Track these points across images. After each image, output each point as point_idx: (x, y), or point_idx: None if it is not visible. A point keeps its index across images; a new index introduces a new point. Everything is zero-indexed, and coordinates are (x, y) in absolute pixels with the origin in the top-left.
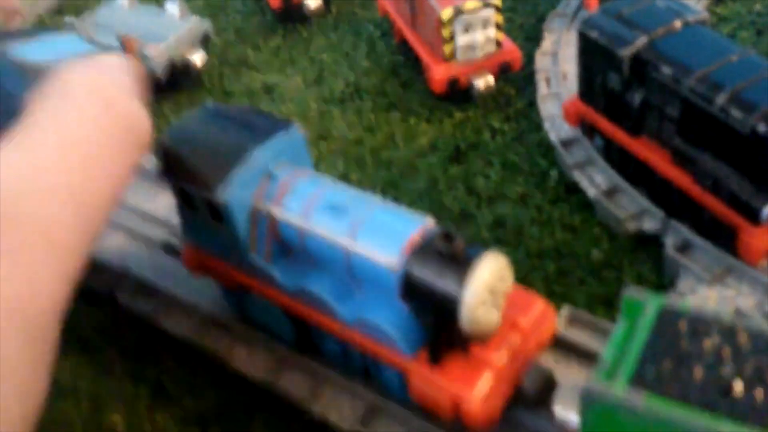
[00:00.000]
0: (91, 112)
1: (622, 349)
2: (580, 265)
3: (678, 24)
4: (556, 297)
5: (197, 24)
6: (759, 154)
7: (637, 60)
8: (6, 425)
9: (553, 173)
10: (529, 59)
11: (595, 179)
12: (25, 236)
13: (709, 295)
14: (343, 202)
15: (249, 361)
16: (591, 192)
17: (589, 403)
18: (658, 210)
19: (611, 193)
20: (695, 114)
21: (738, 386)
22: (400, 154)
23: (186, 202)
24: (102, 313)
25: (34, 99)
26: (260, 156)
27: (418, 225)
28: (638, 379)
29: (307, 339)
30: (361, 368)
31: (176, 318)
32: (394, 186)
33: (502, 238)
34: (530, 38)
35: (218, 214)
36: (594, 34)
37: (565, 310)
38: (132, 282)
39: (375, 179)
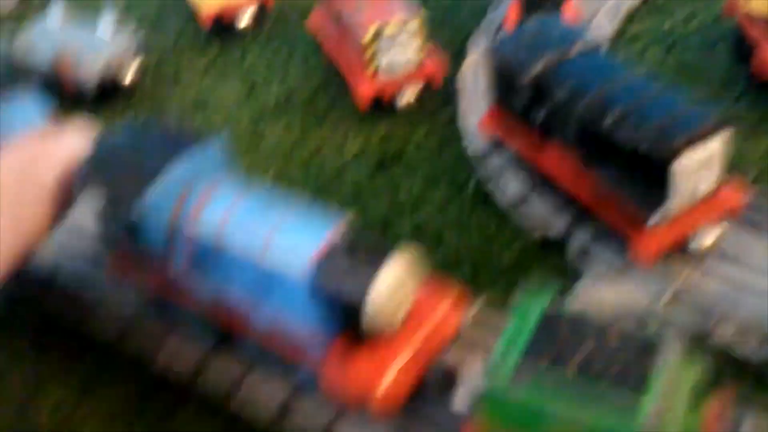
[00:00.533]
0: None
1: (509, 347)
2: (491, 269)
3: (575, 49)
4: (467, 298)
5: (129, 41)
6: (643, 169)
7: (537, 84)
8: None
9: (472, 183)
10: (455, 74)
11: (510, 187)
12: None
13: (607, 294)
14: (256, 213)
15: (174, 357)
16: (503, 200)
17: (481, 396)
18: (565, 215)
19: (521, 201)
20: (589, 133)
21: (606, 381)
22: (328, 165)
23: (105, 215)
24: (31, 321)
25: None
26: (178, 172)
27: (328, 231)
28: (520, 373)
29: (228, 342)
30: (279, 367)
31: (101, 323)
32: (323, 192)
33: (422, 243)
34: (456, 56)
35: (134, 233)
36: (499, 60)
37: (472, 309)
38: (58, 289)
39: (304, 187)
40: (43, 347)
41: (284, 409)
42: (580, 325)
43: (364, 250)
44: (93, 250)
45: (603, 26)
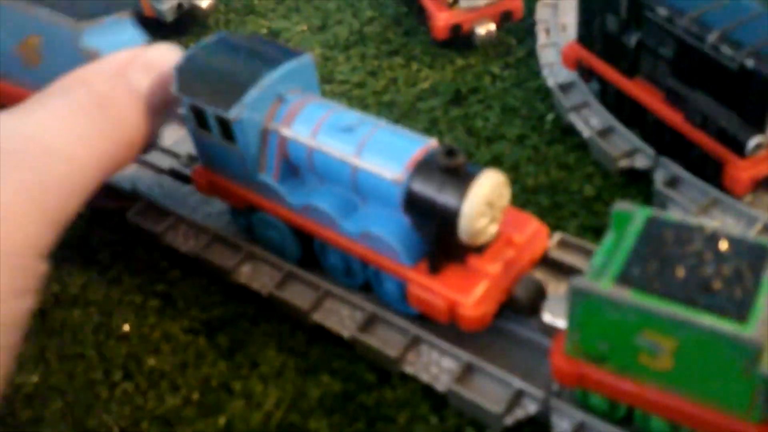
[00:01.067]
0: (84, 108)
1: (610, 255)
2: (573, 199)
3: None
4: (549, 228)
5: None
6: (747, 89)
7: (634, 2)
8: None
9: (550, 116)
10: (531, 10)
11: (590, 121)
12: (23, 174)
13: None
14: (350, 123)
15: (254, 275)
16: (586, 132)
17: (577, 300)
18: (650, 148)
19: (605, 133)
20: (688, 53)
21: (717, 284)
22: (402, 97)
23: (199, 122)
24: (112, 233)
25: (50, 86)
26: (272, 80)
27: (422, 144)
28: (624, 278)
29: (311, 256)
30: (363, 283)
31: (184, 236)
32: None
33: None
34: None
35: (230, 132)
36: None
37: (557, 235)
38: (142, 204)
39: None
40: (126, 260)
41: (367, 325)
42: (687, 230)
43: (458, 162)
44: (174, 167)
45: None
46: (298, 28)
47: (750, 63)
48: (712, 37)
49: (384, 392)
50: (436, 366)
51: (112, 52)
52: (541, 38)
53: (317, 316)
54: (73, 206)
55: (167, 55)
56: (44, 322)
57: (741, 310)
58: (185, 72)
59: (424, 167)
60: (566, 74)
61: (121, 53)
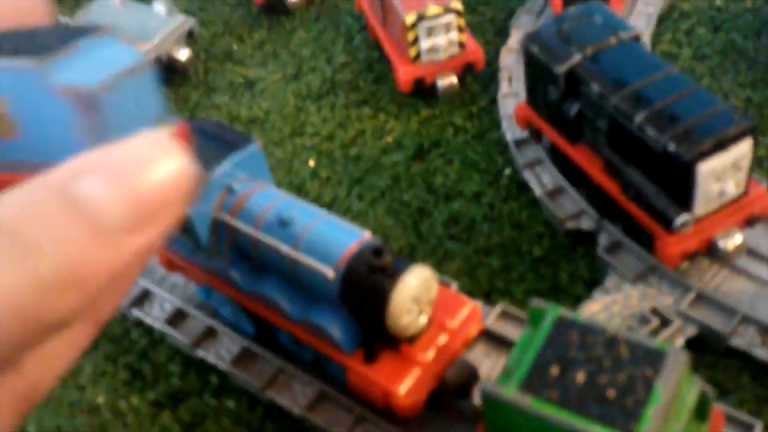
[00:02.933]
0: None
1: (523, 352)
2: (522, 261)
3: (612, 41)
4: (497, 292)
5: (183, 21)
6: (671, 170)
7: (572, 76)
8: None
9: (507, 171)
10: (497, 54)
11: (543, 178)
12: None
13: (632, 292)
14: (290, 215)
15: (214, 349)
16: (537, 191)
17: (487, 400)
18: (594, 211)
19: (555, 193)
20: (619, 130)
21: (611, 393)
22: (368, 151)
23: None
24: None
25: None
26: (221, 171)
27: (354, 239)
28: (528, 383)
29: (266, 333)
30: (314, 359)
31: (150, 308)
32: (360, 182)
33: (455, 234)
34: (500, 33)
35: (183, 225)
36: (534, 49)
37: (498, 306)
38: None
39: (343, 175)
40: (101, 331)
41: (316, 402)
42: (591, 333)
43: (388, 259)
44: None
45: (651, 3)
46: (274, 77)
47: (672, 147)
48: (639, 118)
49: None
50: None
51: (92, 79)
52: (503, 87)
53: (270, 393)
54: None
55: (150, 154)
56: None
57: (629, 422)
58: None
59: (354, 265)
60: (522, 129)
61: (83, 156)
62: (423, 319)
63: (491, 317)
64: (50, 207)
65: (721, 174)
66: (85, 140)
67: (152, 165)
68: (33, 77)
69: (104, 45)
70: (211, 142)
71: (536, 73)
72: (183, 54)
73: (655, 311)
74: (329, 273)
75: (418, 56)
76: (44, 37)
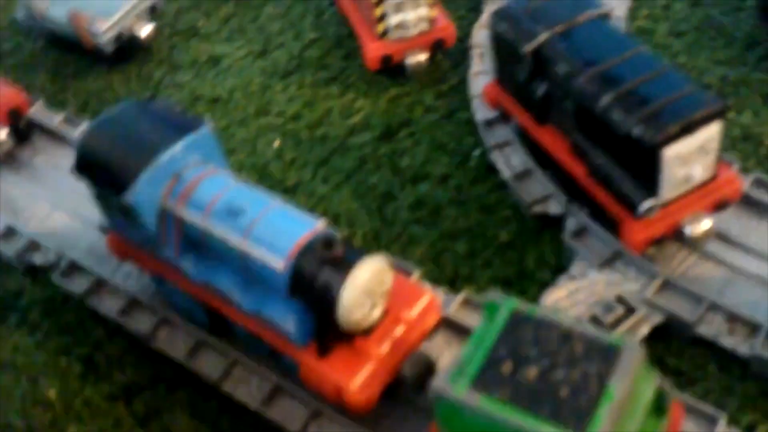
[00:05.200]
0: None
1: (477, 347)
2: (488, 246)
3: (581, 19)
4: (461, 279)
5: None
6: (636, 154)
7: (539, 55)
8: None
9: (476, 152)
10: (470, 30)
11: (511, 160)
12: None
13: (598, 279)
14: (240, 204)
15: (169, 340)
16: (506, 173)
17: (438, 399)
18: (562, 195)
19: (523, 175)
20: (585, 112)
21: (564, 390)
22: (335, 131)
23: (101, 199)
24: (44, 290)
25: None
26: (168, 158)
27: (306, 229)
28: (479, 381)
29: (220, 323)
30: (268, 350)
31: (105, 298)
32: (325, 164)
33: (421, 218)
34: (474, 9)
35: (128, 212)
36: (502, 27)
37: (461, 294)
38: (66, 263)
39: (308, 157)
40: (55, 318)
41: (272, 396)
42: (546, 327)
43: (340, 250)
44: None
45: None
46: (240, 53)
47: (636, 131)
48: (604, 100)
49: None
50: None
51: None
52: (475, 65)
53: (226, 386)
54: None
55: None
56: None
57: (581, 421)
58: (86, 146)
59: (305, 256)
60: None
61: None
62: (376, 313)
63: (453, 305)
64: None
65: (687, 158)
66: None
67: None
68: None
69: None
70: (161, 125)
71: (504, 51)
72: (145, 30)
73: (620, 299)
74: (279, 265)
75: (385, 32)
76: None
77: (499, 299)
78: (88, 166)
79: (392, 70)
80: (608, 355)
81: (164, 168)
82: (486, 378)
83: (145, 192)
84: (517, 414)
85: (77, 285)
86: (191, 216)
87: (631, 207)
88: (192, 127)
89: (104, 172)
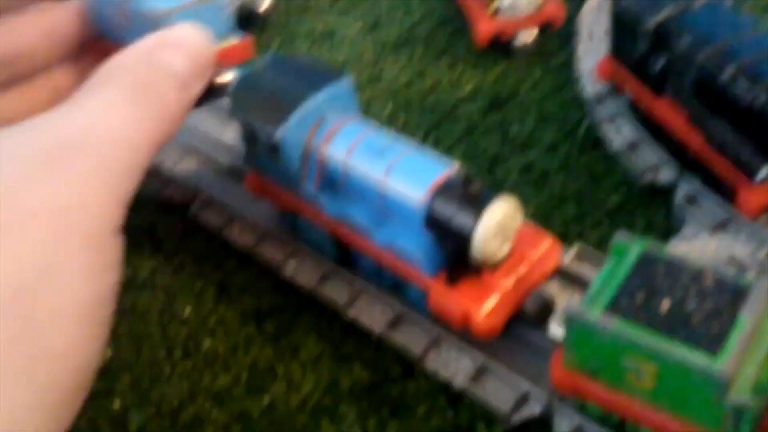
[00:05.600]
0: (129, 93)
1: (606, 283)
2: (597, 209)
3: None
4: (572, 236)
5: None
6: (759, 122)
7: (661, 30)
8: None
9: (583, 126)
10: (577, 12)
11: (621, 132)
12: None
13: (709, 242)
14: (382, 145)
15: (298, 271)
16: (616, 144)
17: (572, 322)
18: (674, 164)
19: (633, 146)
20: (707, 82)
21: (696, 318)
22: (445, 100)
23: (250, 138)
24: (177, 223)
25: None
26: (314, 102)
27: (444, 168)
28: (613, 307)
29: (347, 258)
30: (392, 285)
31: (239, 231)
32: (436, 128)
33: (529, 181)
34: None
35: (275, 149)
36: (624, 3)
37: (576, 246)
38: (203, 199)
39: (420, 122)
40: (189, 249)
41: (395, 323)
42: (677, 267)
43: (476, 189)
44: (235, 164)
45: None
46: (353, 27)
47: (758, 102)
48: (728, 71)
49: (407, 385)
50: (455, 364)
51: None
52: (582, 45)
53: (352, 312)
54: (134, 185)
55: (191, 33)
56: (118, 303)
57: (714, 344)
58: (238, 93)
59: (444, 192)
60: (602, 84)
61: (149, 37)
62: (505, 248)
63: (568, 256)
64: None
65: None
66: None
67: (194, 43)
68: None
69: None
70: (305, 75)
71: (624, 26)
72: (264, 4)
73: (732, 260)
74: (418, 199)
75: (496, 11)
76: None
77: (629, 240)
78: (242, 108)
79: (499, 47)
80: (738, 291)
81: (310, 111)
82: (620, 305)
83: (293, 132)
84: (651, 336)
85: (212, 219)
86: (334, 155)
87: (750, 173)
88: (334, 79)
89: (256, 114)
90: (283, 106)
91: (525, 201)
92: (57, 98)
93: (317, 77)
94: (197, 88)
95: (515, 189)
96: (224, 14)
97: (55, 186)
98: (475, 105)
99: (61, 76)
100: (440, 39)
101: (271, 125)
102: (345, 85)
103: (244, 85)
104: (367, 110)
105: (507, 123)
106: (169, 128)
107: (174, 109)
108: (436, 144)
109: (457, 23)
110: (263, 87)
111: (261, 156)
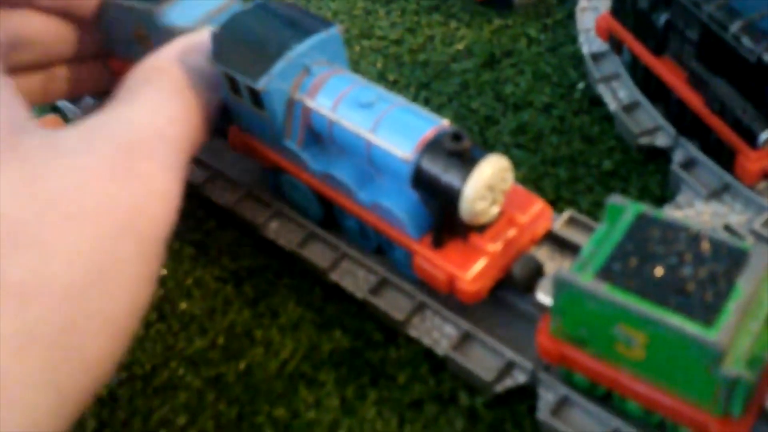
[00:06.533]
0: (169, 93)
1: (599, 246)
2: (590, 173)
3: None
4: (563, 201)
5: None
6: (764, 82)
7: None
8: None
9: (581, 85)
10: None
11: (618, 93)
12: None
13: (704, 209)
14: (369, 98)
15: (280, 231)
16: (612, 105)
17: (560, 288)
18: (672, 128)
19: (630, 108)
20: (711, 39)
21: (691, 286)
22: (437, 57)
23: (232, 88)
24: None
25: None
26: (299, 52)
27: (433, 124)
28: (604, 272)
29: (331, 217)
30: (376, 246)
31: (221, 190)
32: (427, 87)
33: (522, 143)
34: None
35: (258, 100)
36: None
37: (566, 212)
38: None
39: (410, 79)
40: None
41: (378, 288)
42: (673, 231)
43: (466, 146)
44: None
45: None
46: None
47: (766, 58)
48: (734, 27)
49: (389, 351)
50: (438, 331)
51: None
52: (582, 1)
53: (334, 276)
54: (182, 186)
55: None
56: None
57: (709, 314)
58: (221, 40)
59: (432, 148)
60: (601, 42)
61: (179, 40)
62: (495, 209)
63: (559, 222)
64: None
65: None
66: None
67: None
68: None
69: None
70: (290, 23)
71: None
72: None
73: (727, 228)
74: (406, 155)
75: None
76: None
77: (624, 202)
78: (224, 55)
79: (497, 2)
80: (736, 257)
81: (295, 61)
82: (612, 270)
83: (277, 81)
84: (644, 303)
85: (193, 176)
86: (319, 107)
87: (751, 137)
88: (322, 28)
89: (239, 62)
90: (267, 55)
91: (517, 164)
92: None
93: (304, 26)
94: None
95: (507, 152)
96: None
97: (122, 186)
98: (469, 63)
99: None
100: None
101: (253, 75)
102: (333, 35)
103: (226, 31)
104: (357, 67)
105: (501, 82)
106: (205, 128)
107: (208, 107)
108: (427, 103)
109: None
110: (246, 34)
111: (243, 109)
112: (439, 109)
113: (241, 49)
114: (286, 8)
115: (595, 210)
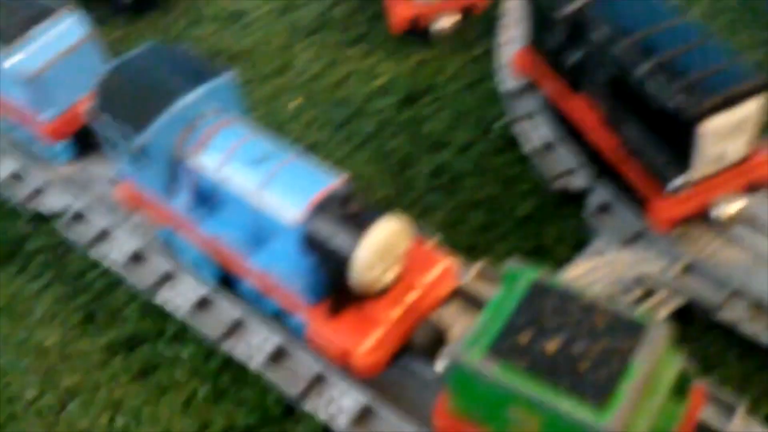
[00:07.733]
0: None
1: (495, 315)
2: (507, 218)
3: None
4: (478, 249)
5: None
6: (671, 127)
7: (574, 21)
8: None
9: (499, 124)
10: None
11: (536, 132)
12: None
13: (619, 258)
14: (261, 154)
15: (172, 296)
16: (527, 147)
17: (452, 366)
18: (589, 169)
19: (546, 149)
20: (620, 81)
21: (584, 364)
22: (356, 94)
23: (118, 142)
24: (50, 237)
25: None
26: (184, 105)
27: (326, 183)
28: (496, 349)
29: (228, 281)
30: (276, 311)
31: (111, 250)
32: (343, 127)
33: (439, 186)
34: None
35: (139, 158)
36: None
37: (477, 265)
38: (72, 212)
39: (327, 118)
40: (58, 267)
41: (275, 357)
42: (568, 299)
43: (357, 208)
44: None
45: None
46: (263, 8)
47: (672, 103)
48: (641, 69)
49: (286, 426)
50: (336, 405)
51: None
52: (503, 34)
53: (227, 345)
54: None
55: None
56: None
57: (601, 396)
58: (106, 88)
59: (322, 211)
60: (520, 78)
61: None
62: (390, 275)
63: (469, 275)
64: None
65: (723, 134)
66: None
67: None
68: None
69: (57, 24)
70: (183, 70)
71: (539, 15)
72: None
73: (640, 280)
74: (293, 220)
75: None
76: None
77: (520, 268)
78: (107, 104)
79: (419, 35)
80: (632, 331)
81: (181, 114)
82: (503, 347)
83: (160, 137)
84: (534, 385)
85: (82, 235)
86: (205, 166)
87: (662, 182)
88: (213, 75)
89: (121, 113)
90: (152, 105)
91: (432, 209)
92: None
93: (194, 73)
94: None
95: (423, 196)
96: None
97: None
98: (388, 99)
99: None
100: (357, 23)
101: (135, 128)
102: (227, 81)
103: (113, 77)
104: (273, 103)
105: (420, 120)
106: None
107: None
108: (343, 144)
109: (377, 7)
110: (134, 81)
111: (129, 163)
112: (355, 150)
113: (126, 99)
114: (178, 53)
115: (510, 257)
